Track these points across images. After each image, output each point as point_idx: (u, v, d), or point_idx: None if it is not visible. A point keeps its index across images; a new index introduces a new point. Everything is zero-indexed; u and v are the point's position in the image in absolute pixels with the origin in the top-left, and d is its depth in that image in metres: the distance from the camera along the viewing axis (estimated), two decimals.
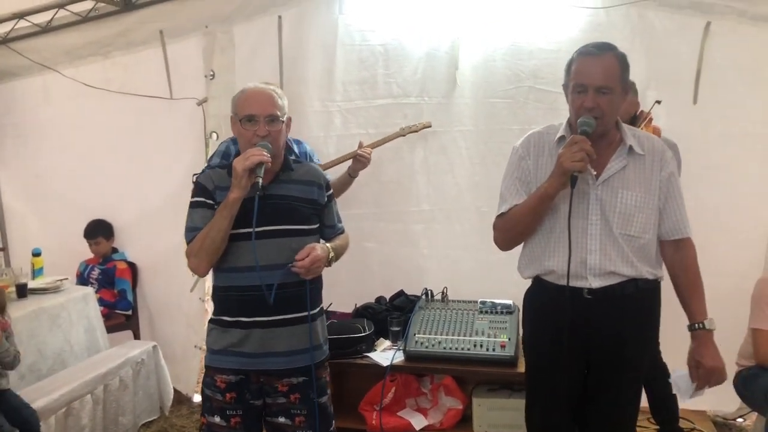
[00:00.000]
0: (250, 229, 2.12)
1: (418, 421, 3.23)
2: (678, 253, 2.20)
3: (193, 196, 2.26)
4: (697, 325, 2.18)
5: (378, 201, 3.97)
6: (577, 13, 3.61)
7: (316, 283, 2.29)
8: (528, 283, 2.36)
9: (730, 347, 3.17)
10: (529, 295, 2.33)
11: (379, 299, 3.75)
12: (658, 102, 2.99)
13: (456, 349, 3.16)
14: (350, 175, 3.61)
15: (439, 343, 3.21)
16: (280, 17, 3.93)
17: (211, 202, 2.20)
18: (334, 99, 3.95)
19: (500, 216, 2.25)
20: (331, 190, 2.37)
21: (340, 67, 3.92)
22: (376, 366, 3.23)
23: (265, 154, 2.10)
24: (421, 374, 3.37)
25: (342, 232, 2.41)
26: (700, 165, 3.37)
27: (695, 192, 3.35)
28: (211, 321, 2.29)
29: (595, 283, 2.12)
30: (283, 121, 2.21)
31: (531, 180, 2.19)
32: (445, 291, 3.60)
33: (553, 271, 2.16)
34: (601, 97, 2.06)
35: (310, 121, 3.95)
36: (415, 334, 3.27)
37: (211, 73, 4.00)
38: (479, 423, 3.18)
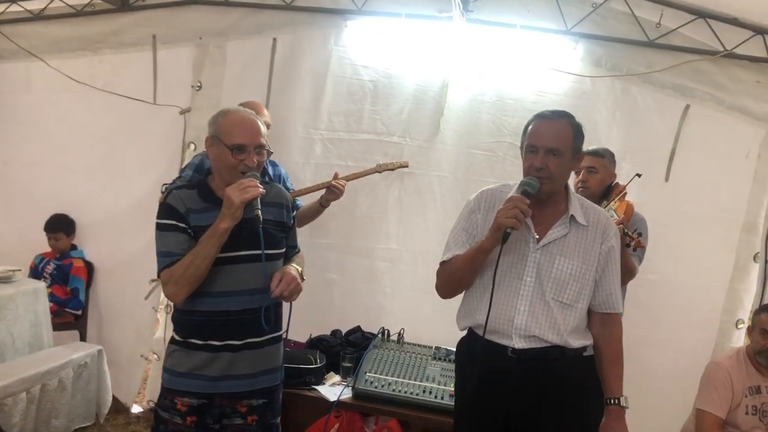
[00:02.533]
0: (227, 254, 2.13)
1: None
2: (605, 328, 2.24)
3: (162, 218, 2.18)
4: (613, 400, 2.19)
5: (347, 234, 3.97)
6: (563, 78, 3.72)
7: (281, 306, 2.31)
8: None
9: (675, 421, 3.23)
10: (461, 345, 2.38)
11: (335, 332, 3.71)
12: (639, 175, 3.04)
13: (405, 392, 3.13)
14: (321, 205, 3.60)
15: (389, 384, 3.18)
16: (275, 40, 3.96)
17: (184, 225, 2.15)
18: (318, 127, 3.97)
19: (443, 263, 2.31)
20: (294, 211, 2.40)
21: (328, 97, 3.95)
22: (323, 400, 3.18)
23: (260, 186, 2.11)
24: (367, 413, 3.32)
25: (299, 251, 2.45)
26: (665, 242, 3.46)
27: (658, 267, 3.44)
28: (174, 342, 2.24)
29: (519, 344, 2.15)
30: (268, 151, 2.23)
31: (478, 234, 2.24)
32: (401, 332, 3.59)
33: (483, 325, 2.17)
34: (551, 159, 2.14)
35: (292, 146, 3.95)
36: (366, 373, 3.24)
37: (198, 84, 4.00)
38: None
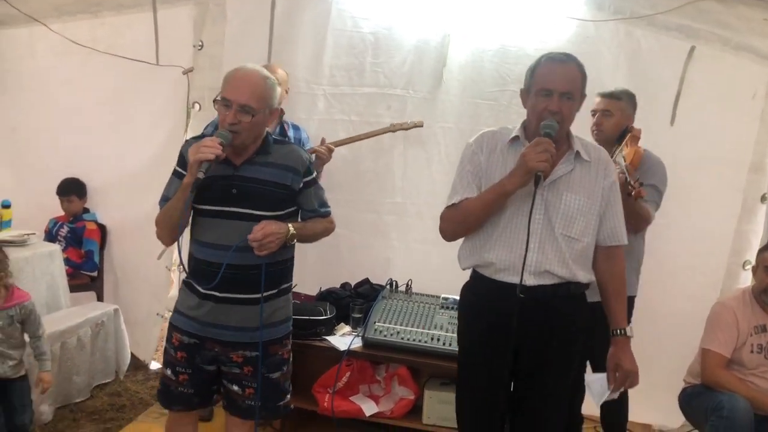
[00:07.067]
0: (214, 207, 2.21)
1: (369, 408, 3.26)
2: (609, 261, 2.29)
3: (176, 165, 2.31)
4: (618, 330, 2.29)
5: (353, 188, 3.99)
6: (566, 23, 3.66)
7: (278, 266, 2.31)
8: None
9: (683, 365, 3.27)
10: (465, 289, 2.39)
11: (344, 285, 3.78)
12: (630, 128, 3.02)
13: (413, 340, 3.21)
14: None
15: (398, 333, 3.25)
16: None
17: (185, 173, 2.21)
18: (320, 82, 3.95)
19: (450, 207, 2.29)
20: (313, 175, 2.36)
21: (329, 52, 3.91)
22: (334, 350, 3.26)
23: (218, 146, 2.09)
24: (377, 362, 3.40)
25: (323, 216, 2.42)
26: (671, 185, 3.42)
27: (664, 211, 3.41)
28: (183, 281, 2.37)
29: (530, 281, 2.16)
30: (254, 115, 2.16)
31: (482, 175, 2.25)
32: (409, 283, 3.65)
33: (492, 263, 2.21)
34: (565, 102, 2.14)
35: (294, 102, 3.94)
36: (375, 322, 3.31)
37: (200, 43, 3.98)
38: (429, 415, 3.22)
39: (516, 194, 2.16)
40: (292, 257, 2.41)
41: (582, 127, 3.44)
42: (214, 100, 2.23)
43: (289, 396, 2.44)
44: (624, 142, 2.92)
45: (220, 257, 2.19)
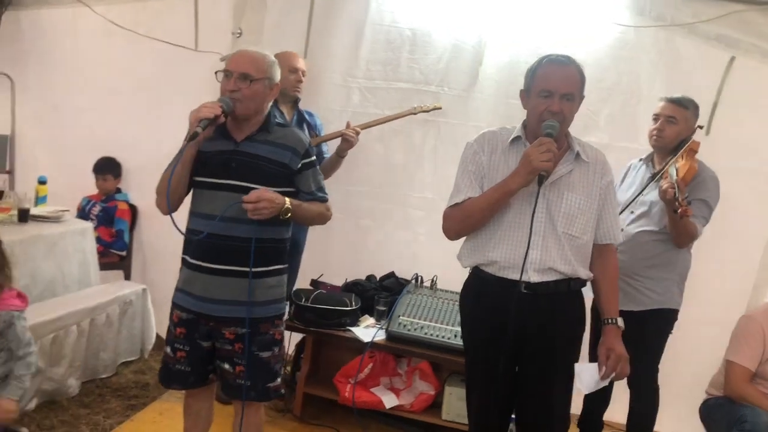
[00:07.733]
0: (212, 179, 2.27)
1: (390, 400, 3.30)
2: (601, 257, 2.34)
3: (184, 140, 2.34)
4: (610, 320, 2.31)
5: (382, 181, 4.02)
6: (606, 29, 3.65)
7: (270, 243, 2.34)
8: None
9: (705, 376, 3.26)
10: (466, 287, 2.42)
11: (370, 277, 3.81)
12: (701, 127, 2.98)
13: (436, 336, 3.23)
14: (339, 155, 3.61)
15: (422, 328, 3.28)
16: None
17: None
18: (356, 75, 3.98)
19: (454, 206, 2.33)
20: (312, 158, 2.40)
21: (366, 45, 3.95)
22: (357, 341, 3.29)
23: (219, 108, 2.18)
24: (399, 355, 3.43)
25: (320, 200, 2.43)
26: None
27: None
28: (182, 258, 2.41)
29: (534, 278, 2.21)
30: (253, 81, 2.25)
31: (484, 174, 2.28)
32: (435, 279, 3.67)
33: (496, 261, 2.25)
34: (565, 103, 2.19)
35: (329, 94, 3.99)
36: (399, 316, 3.33)
37: (239, 31, 4.02)
38: (448, 411, 3.25)
39: (518, 194, 2.21)
40: (287, 239, 2.43)
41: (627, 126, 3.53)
42: (216, 73, 2.32)
43: (279, 380, 2.46)
44: (680, 154, 2.86)
45: (214, 227, 2.25)
